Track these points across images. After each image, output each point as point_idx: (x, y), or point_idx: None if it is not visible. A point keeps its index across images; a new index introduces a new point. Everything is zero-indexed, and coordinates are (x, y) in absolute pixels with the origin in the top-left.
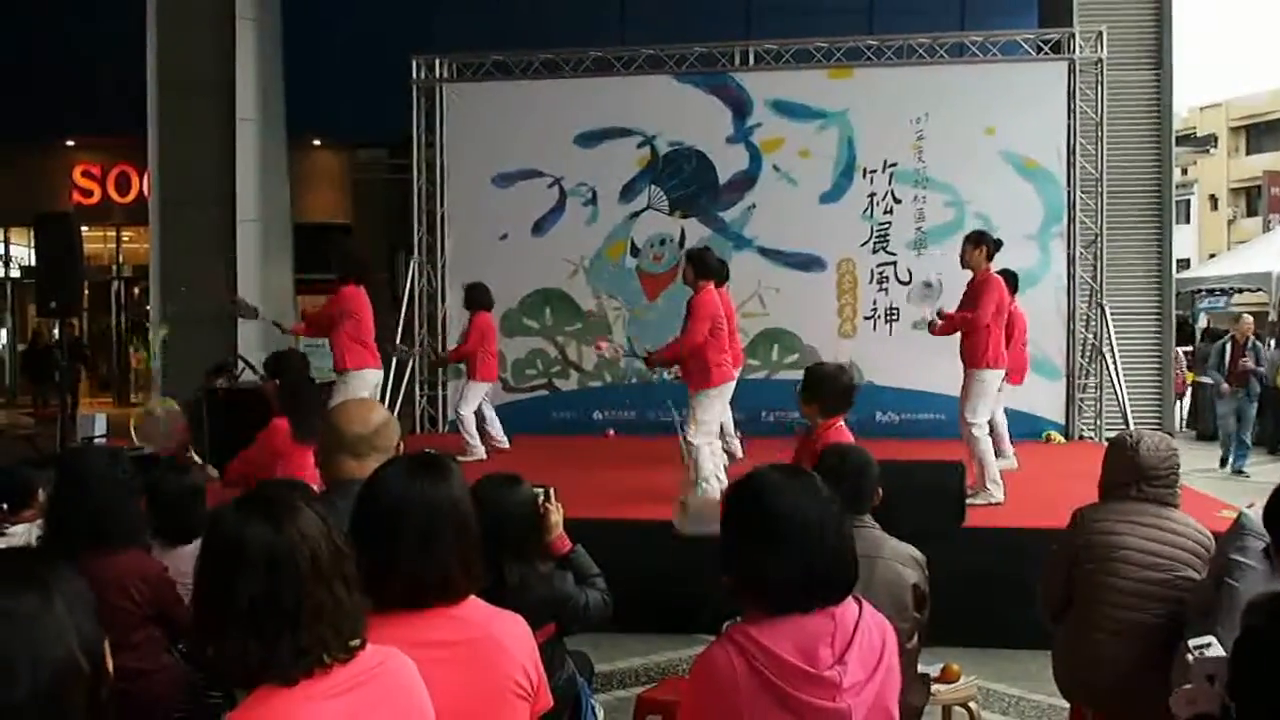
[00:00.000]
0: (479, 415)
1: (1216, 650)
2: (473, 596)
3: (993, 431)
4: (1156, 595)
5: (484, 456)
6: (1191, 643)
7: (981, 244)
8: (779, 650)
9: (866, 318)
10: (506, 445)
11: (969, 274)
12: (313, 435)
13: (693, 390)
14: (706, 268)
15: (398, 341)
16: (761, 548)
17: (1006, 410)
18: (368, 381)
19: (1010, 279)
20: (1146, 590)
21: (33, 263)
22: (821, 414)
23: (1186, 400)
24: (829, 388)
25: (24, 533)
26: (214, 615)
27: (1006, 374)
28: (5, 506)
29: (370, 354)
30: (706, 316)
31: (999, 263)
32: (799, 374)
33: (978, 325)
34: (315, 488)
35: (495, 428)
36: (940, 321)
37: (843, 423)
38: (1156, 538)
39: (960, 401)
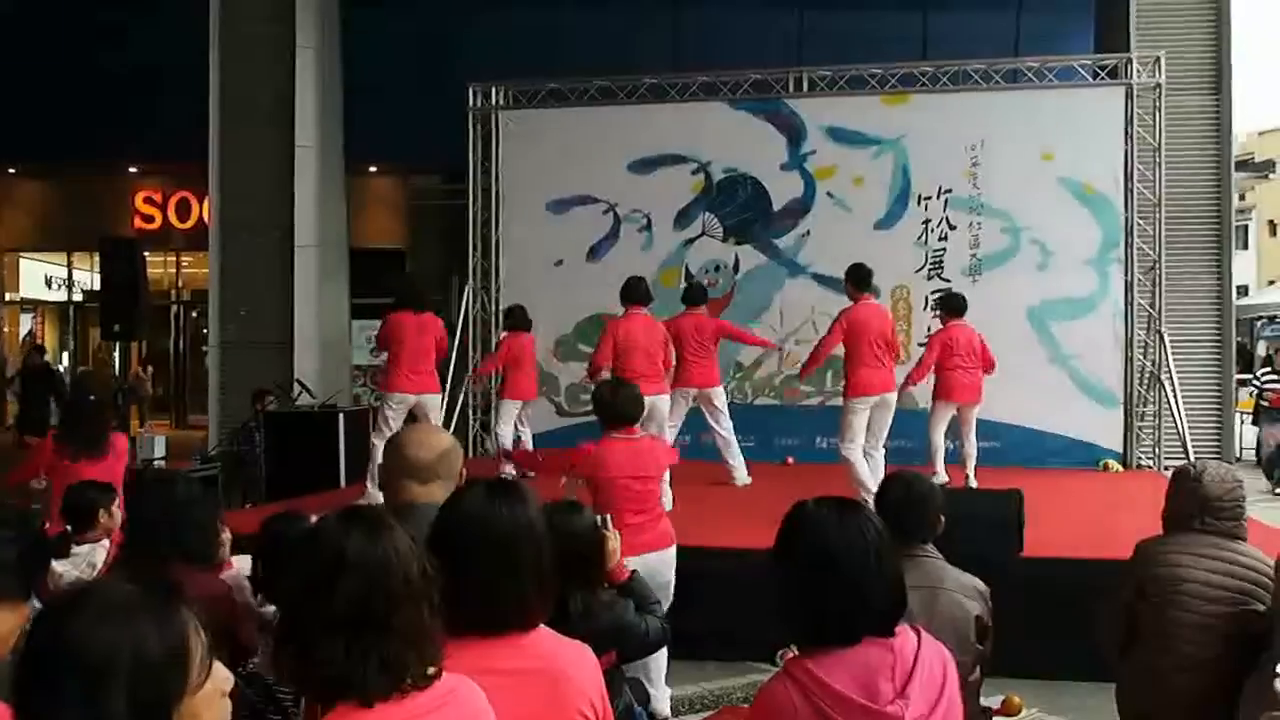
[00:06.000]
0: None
1: None
2: (542, 625)
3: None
4: (1222, 630)
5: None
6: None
7: (849, 279)
8: (838, 685)
9: (920, 344)
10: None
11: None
12: (82, 452)
13: None
14: (626, 293)
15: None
16: (805, 581)
17: (1061, 436)
18: (392, 403)
19: (955, 302)
20: (1212, 624)
21: (95, 287)
22: (602, 427)
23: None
24: (601, 407)
25: (88, 553)
26: (306, 622)
27: (952, 392)
28: (70, 528)
29: (402, 378)
30: (606, 338)
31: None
32: None
33: (814, 354)
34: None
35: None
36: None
37: (616, 434)
38: (1221, 570)
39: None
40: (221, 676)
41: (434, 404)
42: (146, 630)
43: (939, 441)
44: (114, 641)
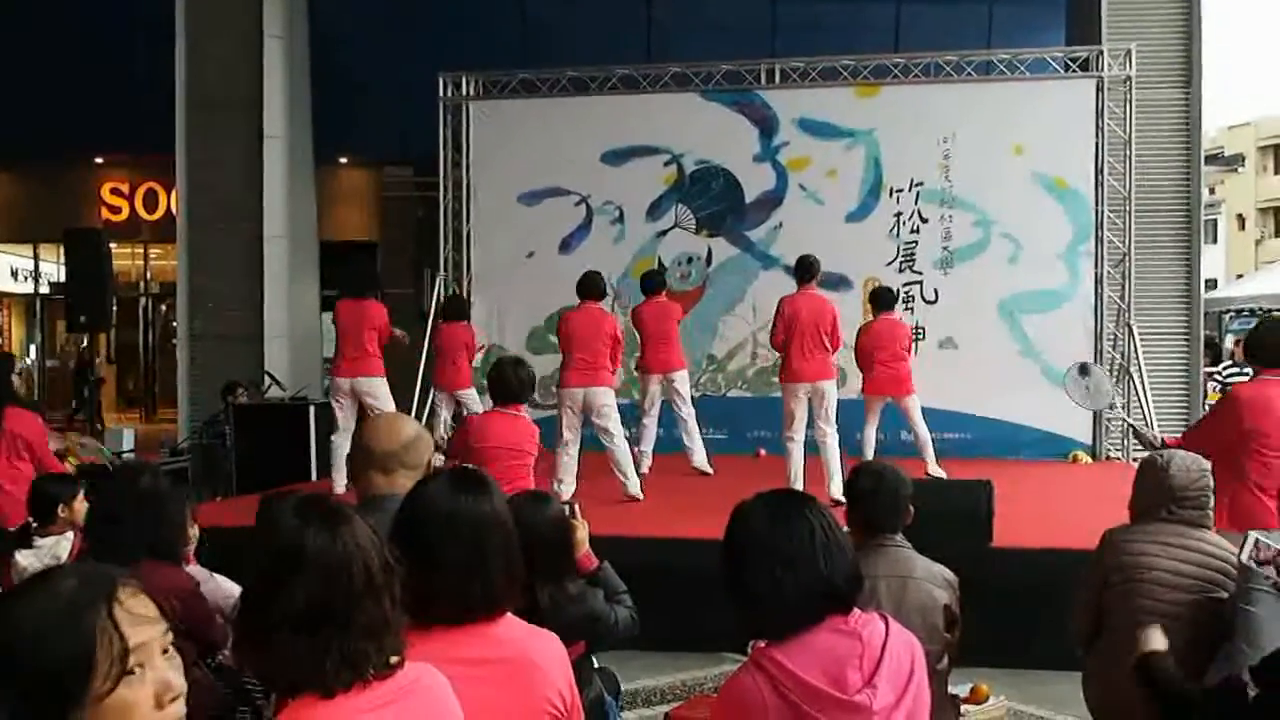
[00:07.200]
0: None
1: None
2: (509, 614)
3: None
4: (1187, 617)
5: None
6: None
7: (794, 269)
8: (805, 675)
9: None
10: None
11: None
12: None
13: None
14: (578, 287)
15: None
16: (755, 574)
17: (1031, 428)
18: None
19: (883, 296)
20: (1177, 612)
21: (62, 279)
22: (493, 400)
23: None
24: (491, 382)
25: (52, 545)
26: (266, 617)
27: (870, 385)
28: (33, 521)
29: (335, 364)
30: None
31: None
32: None
33: (775, 347)
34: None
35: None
36: None
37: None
38: (1187, 559)
39: None
40: (159, 680)
41: (370, 388)
42: (45, 630)
43: (868, 435)
44: (8, 636)
